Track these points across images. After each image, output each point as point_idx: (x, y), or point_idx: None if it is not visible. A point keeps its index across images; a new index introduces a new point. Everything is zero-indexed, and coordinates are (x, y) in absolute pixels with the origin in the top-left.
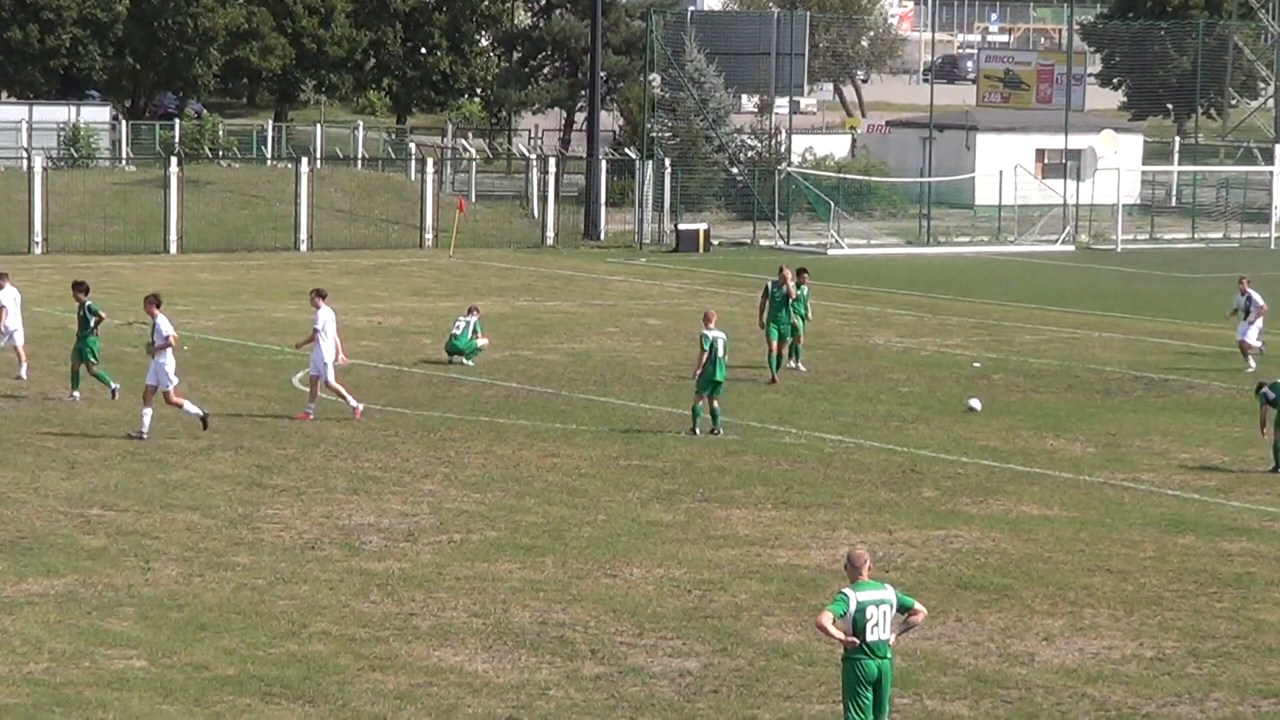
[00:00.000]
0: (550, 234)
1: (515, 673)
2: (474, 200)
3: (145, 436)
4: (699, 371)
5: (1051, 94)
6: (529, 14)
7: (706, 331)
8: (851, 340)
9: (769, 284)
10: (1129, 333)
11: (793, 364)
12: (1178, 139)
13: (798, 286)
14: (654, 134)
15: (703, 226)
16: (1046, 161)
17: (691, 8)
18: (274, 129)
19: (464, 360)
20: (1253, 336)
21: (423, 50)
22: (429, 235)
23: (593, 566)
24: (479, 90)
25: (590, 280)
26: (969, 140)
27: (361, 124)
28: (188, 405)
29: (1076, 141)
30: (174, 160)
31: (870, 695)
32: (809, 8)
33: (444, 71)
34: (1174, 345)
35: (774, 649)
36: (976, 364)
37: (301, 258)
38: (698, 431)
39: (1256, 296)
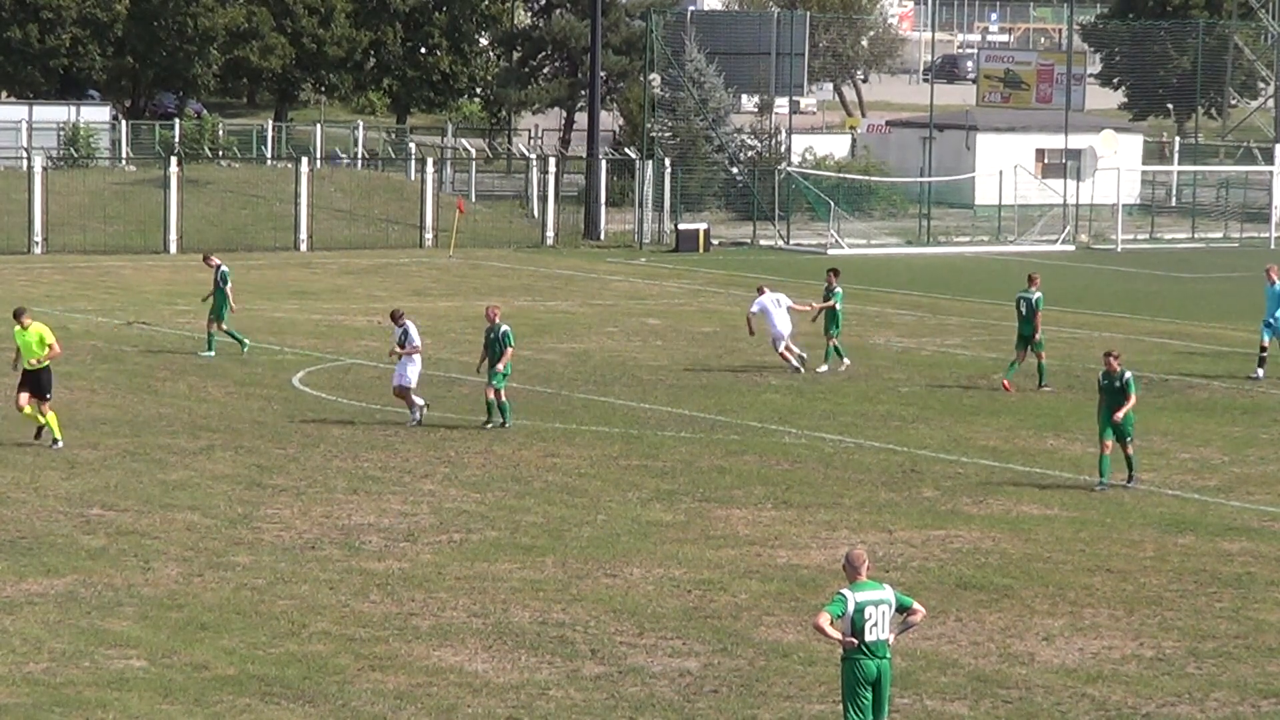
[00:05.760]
0: (550, 234)
1: (515, 673)
2: (474, 200)
3: None
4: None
5: (1051, 94)
6: (529, 14)
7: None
8: (851, 340)
9: (1017, 295)
10: (1129, 333)
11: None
12: (1178, 139)
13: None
14: (654, 134)
15: (703, 226)
16: (1046, 161)
17: (691, 8)
18: (274, 129)
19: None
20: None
21: (423, 50)
22: (429, 235)
23: (593, 566)
24: (479, 90)
25: (590, 280)
26: (969, 140)
27: (361, 124)
28: None
29: (1076, 141)
30: (174, 160)
31: (869, 695)
32: (809, 8)
33: (444, 71)
34: (1174, 345)
35: (774, 649)
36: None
37: (301, 258)
38: (506, 424)
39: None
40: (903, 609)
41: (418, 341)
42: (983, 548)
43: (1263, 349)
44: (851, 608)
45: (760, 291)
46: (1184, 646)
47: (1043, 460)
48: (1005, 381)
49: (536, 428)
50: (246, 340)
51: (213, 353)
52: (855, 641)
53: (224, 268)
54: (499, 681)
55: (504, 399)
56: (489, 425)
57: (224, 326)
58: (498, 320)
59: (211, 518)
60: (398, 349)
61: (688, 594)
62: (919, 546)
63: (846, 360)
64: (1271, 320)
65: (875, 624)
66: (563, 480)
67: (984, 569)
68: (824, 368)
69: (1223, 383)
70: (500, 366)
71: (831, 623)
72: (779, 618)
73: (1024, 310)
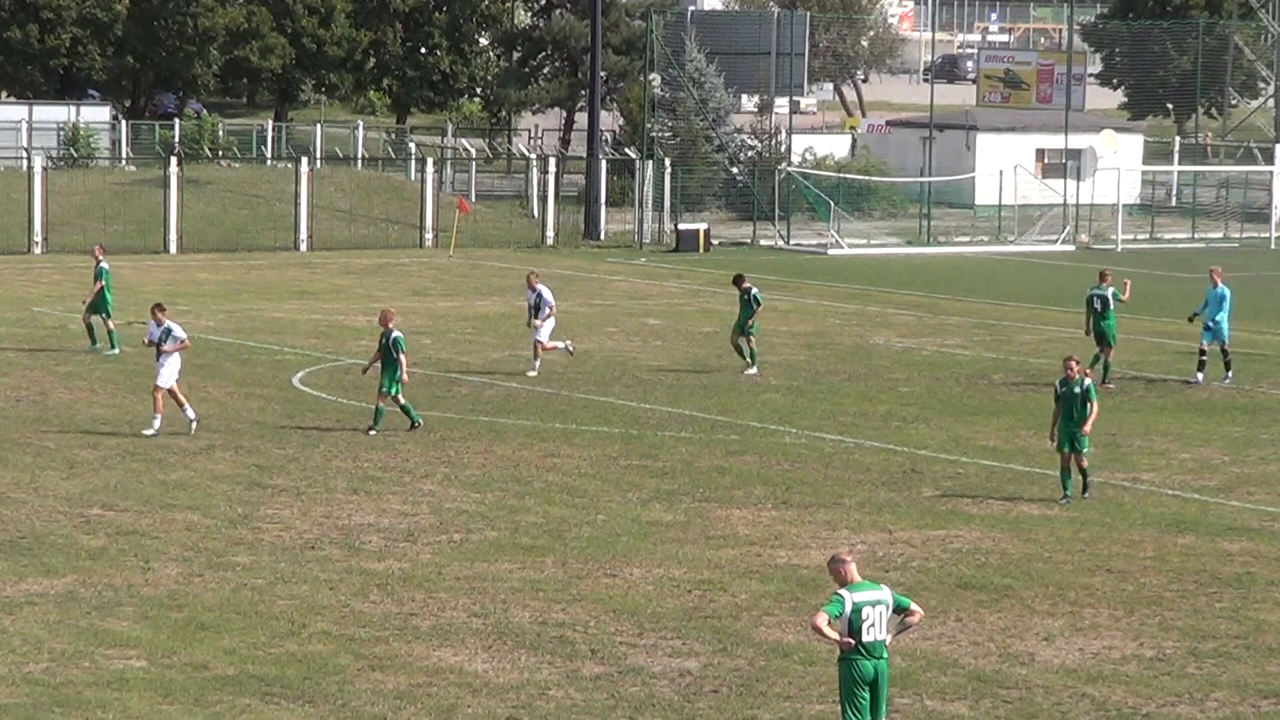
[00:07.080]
0: (550, 234)
1: (515, 673)
2: (474, 200)
3: None
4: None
5: (1051, 94)
6: (529, 14)
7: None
8: (851, 340)
9: (1089, 292)
10: (1129, 333)
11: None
12: (1178, 139)
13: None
14: (654, 134)
15: (703, 226)
16: (1046, 161)
17: (691, 8)
18: (274, 129)
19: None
20: (545, 335)
21: (423, 50)
22: (429, 235)
23: (593, 566)
24: (479, 90)
25: (590, 280)
26: (969, 140)
27: (361, 124)
28: None
29: (1076, 141)
30: (174, 160)
31: (867, 695)
32: (809, 8)
33: (444, 71)
34: (1174, 345)
35: (774, 649)
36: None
37: (301, 258)
38: (375, 430)
39: (547, 293)
40: (900, 609)
41: (182, 338)
42: (983, 548)
43: (1202, 353)
44: (849, 608)
45: (532, 284)
46: (1184, 646)
47: (1043, 460)
48: (1106, 385)
49: (536, 428)
50: (116, 347)
51: (98, 346)
52: (853, 642)
53: (104, 265)
54: (499, 681)
55: (403, 401)
56: (372, 431)
57: (110, 322)
58: (391, 325)
59: (211, 518)
60: (153, 344)
61: (688, 594)
62: (919, 546)
63: (755, 368)
64: (1211, 324)
65: (872, 624)
66: (563, 480)
67: (984, 569)
68: (753, 369)
69: (1223, 383)
70: (404, 376)
71: (829, 623)
72: (779, 618)
73: (1098, 306)
